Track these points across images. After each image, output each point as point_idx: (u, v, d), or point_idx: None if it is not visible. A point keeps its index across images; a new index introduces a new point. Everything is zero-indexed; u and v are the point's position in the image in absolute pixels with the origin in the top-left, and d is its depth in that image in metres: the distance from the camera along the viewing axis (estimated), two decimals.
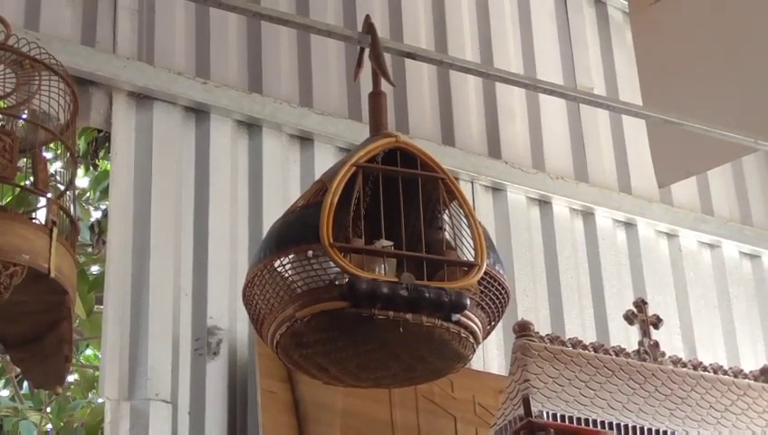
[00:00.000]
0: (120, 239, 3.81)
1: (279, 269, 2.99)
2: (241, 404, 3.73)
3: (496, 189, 4.53)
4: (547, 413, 2.96)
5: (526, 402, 2.96)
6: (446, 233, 3.13)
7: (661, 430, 3.06)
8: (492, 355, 4.18)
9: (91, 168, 5.69)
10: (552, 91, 4.12)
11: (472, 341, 3.02)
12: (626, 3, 5.05)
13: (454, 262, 3.03)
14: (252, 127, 4.16)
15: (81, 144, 5.33)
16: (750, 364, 4.18)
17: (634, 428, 3.03)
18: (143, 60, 4.04)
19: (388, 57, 3.52)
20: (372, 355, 3.01)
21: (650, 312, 3.37)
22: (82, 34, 4.00)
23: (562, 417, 2.98)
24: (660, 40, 4.79)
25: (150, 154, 3.94)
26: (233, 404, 3.72)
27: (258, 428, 3.57)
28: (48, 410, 5.69)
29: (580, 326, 4.38)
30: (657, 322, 3.35)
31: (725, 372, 3.31)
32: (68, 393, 5.66)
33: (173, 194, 3.93)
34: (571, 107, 4.80)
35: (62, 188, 3.08)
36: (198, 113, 4.08)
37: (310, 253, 2.93)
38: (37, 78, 3.04)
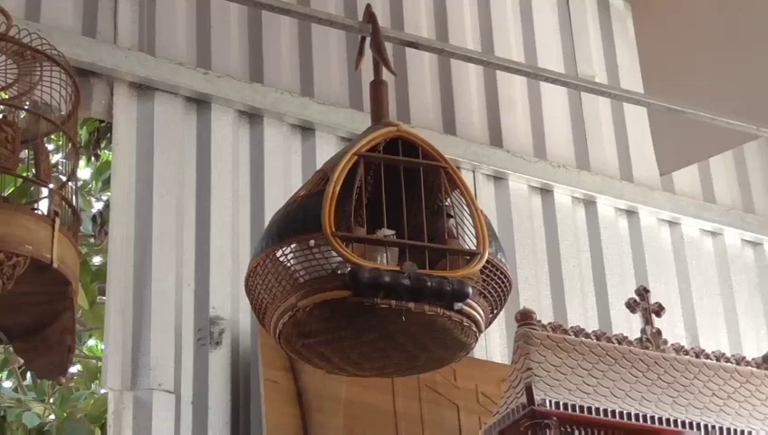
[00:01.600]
0: (122, 230, 3.81)
1: (281, 259, 2.99)
2: (244, 394, 3.73)
3: (498, 178, 4.52)
4: (550, 402, 2.96)
5: (529, 391, 2.96)
6: (449, 222, 3.13)
7: (664, 418, 3.06)
8: (494, 344, 4.18)
9: (93, 158, 5.69)
10: (553, 79, 4.12)
11: (474, 329, 3.02)
12: None
13: (456, 251, 3.03)
14: (253, 117, 4.16)
15: (83, 135, 5.34)
16: (752, 352, 4.18)
17: (637, 415, 3.03)
18: (144, 50, 4.04)
19: (389, 46, 3.52)
20: (375, 345, 3.02)
21: (652, 300, 3.36)
22: (83, 25, 4.00)
23: (565, 405, 2.98)
24: (662, 27, 4.79)
25: (152, 144, 3.95)
26: (235, 394, 3.73)
27: (261, 417, 3.57)
28: (51, 400, 5.70)
29: (582, 315, 4.39)
30: (659, 310, 3.34)
31: (728, 360, 3.31)
32: (71, 384, 5.68)
33: (175, 184, 3.93)
34: (573, 95, 4.80)
35: (63, 178, 3.08)
36: (200, 103, 4.09)
37: (312, 242, 2.93)
38: (38, 69, 3.04)
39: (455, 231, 3.09)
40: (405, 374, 3.28)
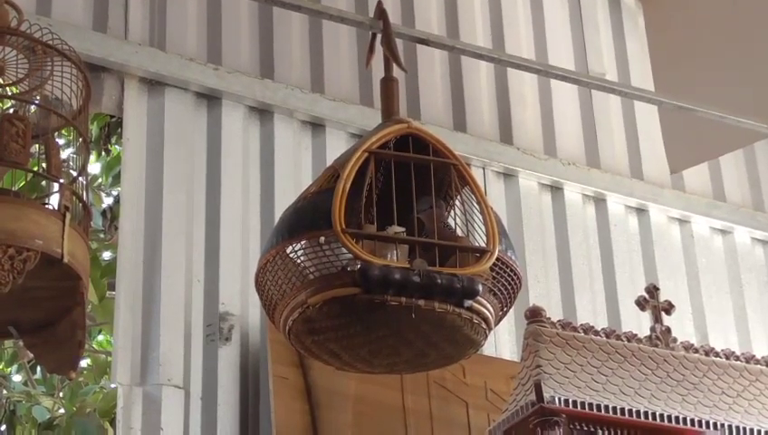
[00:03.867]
0: (132, 225, 3.82)
1: (291, 255, 2.99)
2: (253, 390, 3.73)
3: (508, 175, 4.52)
4: (559, 399, 2.96)
5: (538, 388, 2.96)
6: (458, 219, 3.13)
7: (673, 416, 3.06)
8: (504, 341, 4.18)
9: (104, 153, 5.70)
10: (563, 76, 4.12)
11: (484, 327, 3.02)
12: None
13: (466, 248, 3.03)
14: (263, 113, 4.16)
15: (94, 130, 5.34)
16: (762, 350, 4.17)
17: (646, 413, 3.03)
18: (155, 46, 4.04)
19: (399, 43, 3.52)
20: (384, 341, 3.02)
21: (662, 298, 3.36)
22: (94, 20, 4.01)
23: (574, 402, 2.98)
24: (673, 25, 4.78)
25: (162, 140, 3.95)
26: (245, 390, 3.73)
27: (270, 413, 3.58)
28: (61, 395, 5.71)
29: (591, 312, 4.38)
30: (668, 307, 3.34)
31: (737, 358, 3.31)
32: (81, 379, 5.68)
33: (185, 180, 3.93)
34: (583, 93, 4.79)
35: (74, 173, 3.08)
36: (210, 99, 4.09)
37: (322, 239, 2.93)
38: (49, 64, 3.04)
39: (465, 228, 3.09)
40: (414, 371, 3.29)
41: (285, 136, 4.15)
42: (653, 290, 3.37)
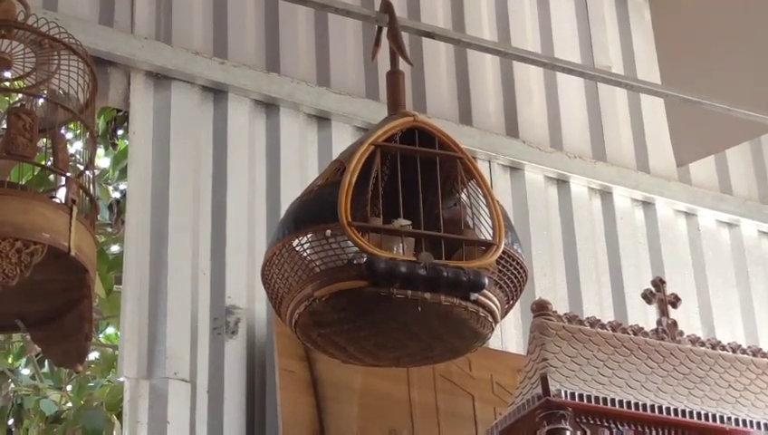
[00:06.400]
0: (139, 219, 3.82)
1: (297, 248, 3.00)
2: (259, 383, 3.74)
3: (514, 169, 4.52)
4: (565, 392, 2.96)
5: (544, 381, 2.97)
6: (464, 212, 3.13)
7: (679, 410, 3.06)
8: (510, 334, 4.18)
9: (111, 147, 5.70)
10: (569, 69, 4.12)
11: (490, 320, 3.03)
12: None
13: (472, 241, 3.03)
14: (269, 106, 4.16)
15: (100, 124, 5.35)
16: None
17: (652, 407, 3.03)
18: (161, 40, 4.05)
19: (405, 36, 3.52)
20: (391, 334, 3.02)
21: (668, 291, 3.36)
22: (101, 14, 4.01)
23: (580, 396, 2.98)
24: (679, 18, 4.78)
25: (168, 134, 3.95)
26: (251, 383, 3.74)
27: (276, 407, 3.58)
28: (68, 388, 5.72)
29: (597, 305, 4.38)
30: (675, 301, 3.34)
31: (744, 352, 3.31)
32: (88, 372, 5.69)
33: (191, 173, 3.94)
34: (589, 86, 4.79)
35: (81, 167, 3.09)
36: (216, 93, 4.09)
37: (328, 232, 2.94)
38: (56, 57, 3.05)
39: (471, 222, 3.09)
40: (420, 364, 3.29)
41: (291, 130, 4.15)
42: (659, 283, 3.37)
